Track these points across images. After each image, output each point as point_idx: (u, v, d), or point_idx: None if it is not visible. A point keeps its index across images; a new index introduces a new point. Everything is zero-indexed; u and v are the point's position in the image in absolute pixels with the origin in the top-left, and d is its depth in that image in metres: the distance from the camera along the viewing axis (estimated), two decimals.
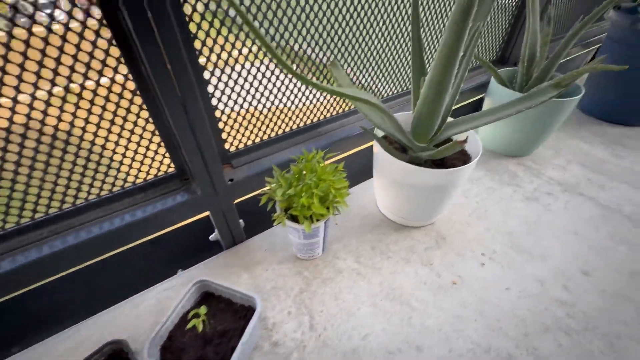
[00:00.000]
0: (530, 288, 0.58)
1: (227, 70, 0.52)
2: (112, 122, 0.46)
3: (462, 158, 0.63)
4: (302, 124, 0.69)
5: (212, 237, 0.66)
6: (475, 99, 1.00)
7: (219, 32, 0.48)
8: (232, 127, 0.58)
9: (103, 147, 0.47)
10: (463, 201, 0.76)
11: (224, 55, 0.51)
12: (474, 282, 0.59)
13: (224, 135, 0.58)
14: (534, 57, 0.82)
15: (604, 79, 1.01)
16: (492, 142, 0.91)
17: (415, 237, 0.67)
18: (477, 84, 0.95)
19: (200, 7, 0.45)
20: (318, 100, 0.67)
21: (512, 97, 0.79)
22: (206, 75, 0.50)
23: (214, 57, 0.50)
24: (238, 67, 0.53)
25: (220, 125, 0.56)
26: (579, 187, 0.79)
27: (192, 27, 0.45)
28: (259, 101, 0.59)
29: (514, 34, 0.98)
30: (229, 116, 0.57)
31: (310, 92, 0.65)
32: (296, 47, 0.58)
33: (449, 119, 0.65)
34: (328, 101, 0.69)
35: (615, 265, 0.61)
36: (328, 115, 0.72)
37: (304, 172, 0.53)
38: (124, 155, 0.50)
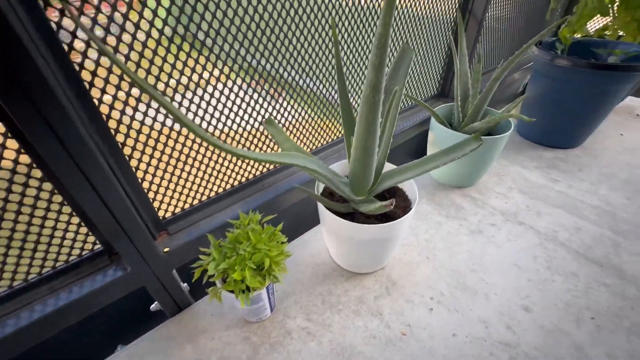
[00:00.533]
0: (476, 331, 0.59)
1: (151, 142, 0.50)
2: (19, 212, 0.42)
3: (403, 205, 0.65)
4: (243, 180, 0.68)
5: (153, 307, 0.62)
6: (421, 131, 1.04)
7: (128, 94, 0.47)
8: (164, 195, 0.56)
9: (12, 230, 0.43)
10: (413, 240, 0.77)
11: (145, 129, 0.49)
12: (422, 331, 0.59)
13: (155, 204, 0.56)
14: (467, 94, 0.88)
15: (536, 106, 1.09)
16: (440, 175, 0.94)
17: (366, 285, 0.67)
18: (421, 119, 0.99)
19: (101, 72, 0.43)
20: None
21: (448, 134, 0.83)
22: (127, 150, 0.48)
23: (133, 133, 0.48)
24: (163, 137, 0.52)
25: (151, 195, 0.54)
26: (519, 215, 0.83)
27: (104, 109, 0.44)
28: (191, 166, 0.57)
29: (449, 71, 1.04)
30: (159, 185, 0.55)
31: (251, 144, 0.65)
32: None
33: (389, 168, 0.67)
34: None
35: (552, 298, 0.64)
36: (272, 167, 0.72)
37: (240, 241, 0.51)
38: (37, 241, 0.46)
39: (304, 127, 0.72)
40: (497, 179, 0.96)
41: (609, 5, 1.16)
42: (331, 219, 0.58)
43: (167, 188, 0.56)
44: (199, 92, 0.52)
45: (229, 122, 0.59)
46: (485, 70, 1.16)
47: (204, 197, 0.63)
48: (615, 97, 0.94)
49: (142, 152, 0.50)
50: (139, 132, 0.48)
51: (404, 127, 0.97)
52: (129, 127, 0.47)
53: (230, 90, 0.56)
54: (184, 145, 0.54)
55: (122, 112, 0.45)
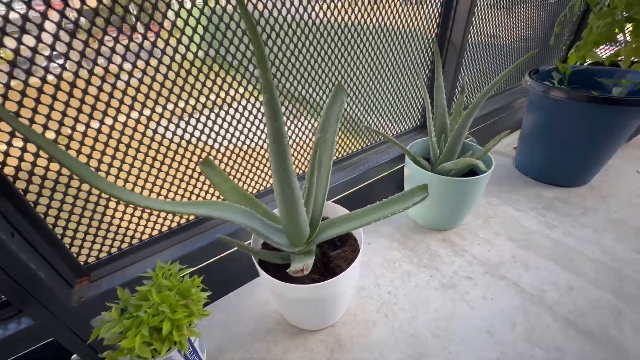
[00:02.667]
0: None
1: (61, 187, 0.48)
2: None
3: (349, 257, 0.58)
4: (183, 221, 0.64)
5: (73, 358, 0.58)
6: (398, 167, 0.97)
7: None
8: (83, 239, 0.53)
9: None
10: (374, 291, 0.69)
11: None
12: None
13: (74, 249, 0.53)
14: (444, 128, 0.80)
15: (531, 140, 0.99)
16: (417, 215, 0.86)
17: (309, 346, 0.59)
18: (399, 154, 0.92)
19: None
20: (197, 195, 0.63)
21: (420, 174, 0.75)
22: (31, 197, 0.45)
23: (37, 179, 0.45)
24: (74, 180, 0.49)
25: (67, 240, 0.51)
26: (502, 267, 0.73)
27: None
28: (114, 209, 0.54)
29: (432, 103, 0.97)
30: (75, 230, 0.51)
31: (186, 186, 0.61)
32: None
33: (341, 213, 0.61)
34: (209, 194, 0.65)
35: None
36: None
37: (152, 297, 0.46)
38: None
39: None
40: (482, 222, 0.86)
41: (617, 31, 1.06)
42: (262, 274, 0.52)
43: (86, 233, 0.53)
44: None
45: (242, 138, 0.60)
46: (468, 104, 1.08)
47: (135, 240, 0.59)
48: (621, 132, 0.83)
49: (51, 198, 0.47)
50: (43, 177, 0.45)
51: (380, 161, 0.90)
52: (31, 173, 0.44)
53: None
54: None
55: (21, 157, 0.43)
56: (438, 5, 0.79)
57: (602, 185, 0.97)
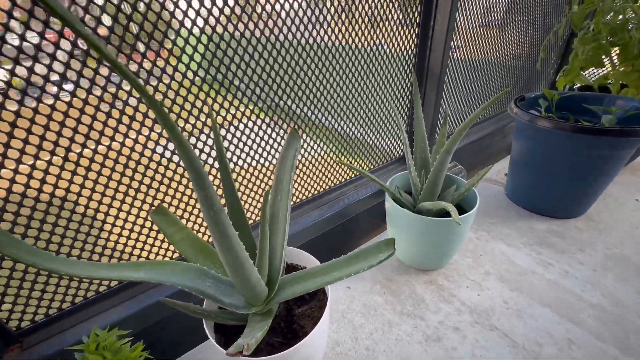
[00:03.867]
0: None
1: None
2: None
3: (316, 315, 0.51)
4: (115, 283, 0.58)
5: None
6: (382, 199, 0.92)
7: None
8: (14, 302, 0.47)
9: None
10: (351, 346, 0.62)
11: None
12: None
13: (2, 314, 0.47)
14: (426, 163, 0.76)
15: (521, 168, 0.94)
16: (402, 253, 0.80)
17: None
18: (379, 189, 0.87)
19: None
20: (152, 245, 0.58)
21: (400, 213, 0.70)
22: None
23: None
24: None
25: None
26: (494, 315, 0.66)
27: None
28: None
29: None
30: (4, 292, 0.46)
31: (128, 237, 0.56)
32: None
33: (313, 264, 0.56)
34: (161, 248, 0.60)
35: None
36: (175, 257, 0.62)
37: None
38: None
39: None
40: (472, 260, 0.80)
41: (604, 57, 1.04)
42: (212, 342, 0.46)
43: (18, 295, 0.47)
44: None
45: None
46: (450, 132, 1.04)
47: (78, 299, 0.53)
48: (613, 163, 0.78)
49: None
50: None
51: (361, 195, 0.85)
52: None
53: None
54: None
55: None
56: (414, 35, 0.77)
57: (599, 216, 0.92)
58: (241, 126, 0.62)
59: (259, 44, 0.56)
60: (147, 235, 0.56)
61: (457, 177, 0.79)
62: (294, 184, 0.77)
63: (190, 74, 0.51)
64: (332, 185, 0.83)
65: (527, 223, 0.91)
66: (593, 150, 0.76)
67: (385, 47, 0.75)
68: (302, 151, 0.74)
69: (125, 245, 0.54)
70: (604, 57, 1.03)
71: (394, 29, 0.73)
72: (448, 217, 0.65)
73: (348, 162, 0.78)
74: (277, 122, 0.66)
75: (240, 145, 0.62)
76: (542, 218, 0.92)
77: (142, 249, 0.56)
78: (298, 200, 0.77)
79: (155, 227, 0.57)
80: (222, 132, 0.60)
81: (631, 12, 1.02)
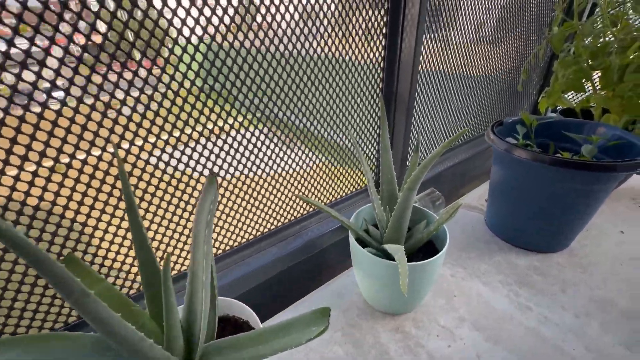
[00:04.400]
0: None
1: None
2: None
3: None
4: (71, 319, 0.50)
5: None
6: None
7: None
8: None
9: None
10: None
11: None
12: None
13: None
14: (393, 196, 0.70)
15: (499, 197, 0.88)
16: (369, 294, 0.72)
17: None
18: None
19: None
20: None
21: (360, 253, 0.64)
22: None
23: None
24: None
25: None
26: None
27: None
28: None
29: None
30: None
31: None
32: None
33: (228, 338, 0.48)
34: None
35: None
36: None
37: None
38: None
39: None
40: (445, 302, 0.73)
41: (585, 80, 1.00)
42: None
43: None
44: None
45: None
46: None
47: None
48: (595, 197, 0.73)
49: None
50: None
51: (324, 230, 0.79)
52: None
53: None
54: None
55: None
56: (380, 60, 0.72)
57: (583, 250, 0.86)
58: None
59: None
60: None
61: (429, 211, 0.72)
62: (252, 216, 0.70)
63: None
64: (294, 218, 0.76)
65: (506, 258, 0.85)
66: (572, 183, 0.71)
67: (352, 73, 0.69)
68: (260, 179, 0.67)
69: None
70: (584, 80, 1.00)
71: (359, 57, 0.68)
72: (417, 261, 0.59)
73: (304, 196, 0.71)
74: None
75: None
76: (523, 252, 0.86)
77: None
78: (252, 236, 0.70)
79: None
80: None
81: (611, 36, 0.99)
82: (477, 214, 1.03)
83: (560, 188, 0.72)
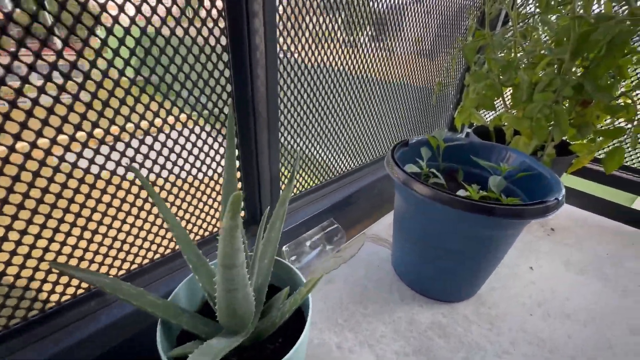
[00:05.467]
0: None
1: None
2: None
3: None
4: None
5: None
6: None
7: None
8: None
9: None
10: None
11: None
12: None
13: None
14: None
15: (401, 236, 0.72)
16: None
17: None
18: None
19: None
20: None
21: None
22: None
23: None
24: None
25: None
26: None
27: None
28: None
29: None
30: None
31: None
32: None
33: None
34: None
35: None
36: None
37: None
38: None
39: None
40: None
41: (496, 98, 0.90)
42: None
43: None
44: None
45: None
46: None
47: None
48: (502, 241, 0.60)
49: None
50: None
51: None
52: None
53: None
54: None
55: None
56: (222, 65, 0.49)
57: (492, 297, 0.73)
58: None
59: None
60: None
61: (295, 269, 0.51)
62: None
63: None
64: None
65: (409, 312, 0.68)
66: (476, 227, 0.56)
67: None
68: None
69: None
70: (496, 98, 0.90)
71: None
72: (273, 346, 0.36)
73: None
74: None
75: None
76: (427, 302, 0.71)
77: None
78: None
79: None
80: None
81: (521, 51, 0.91)
82: (385, 250, 0.86)
83: (466, 229, 0.57)
